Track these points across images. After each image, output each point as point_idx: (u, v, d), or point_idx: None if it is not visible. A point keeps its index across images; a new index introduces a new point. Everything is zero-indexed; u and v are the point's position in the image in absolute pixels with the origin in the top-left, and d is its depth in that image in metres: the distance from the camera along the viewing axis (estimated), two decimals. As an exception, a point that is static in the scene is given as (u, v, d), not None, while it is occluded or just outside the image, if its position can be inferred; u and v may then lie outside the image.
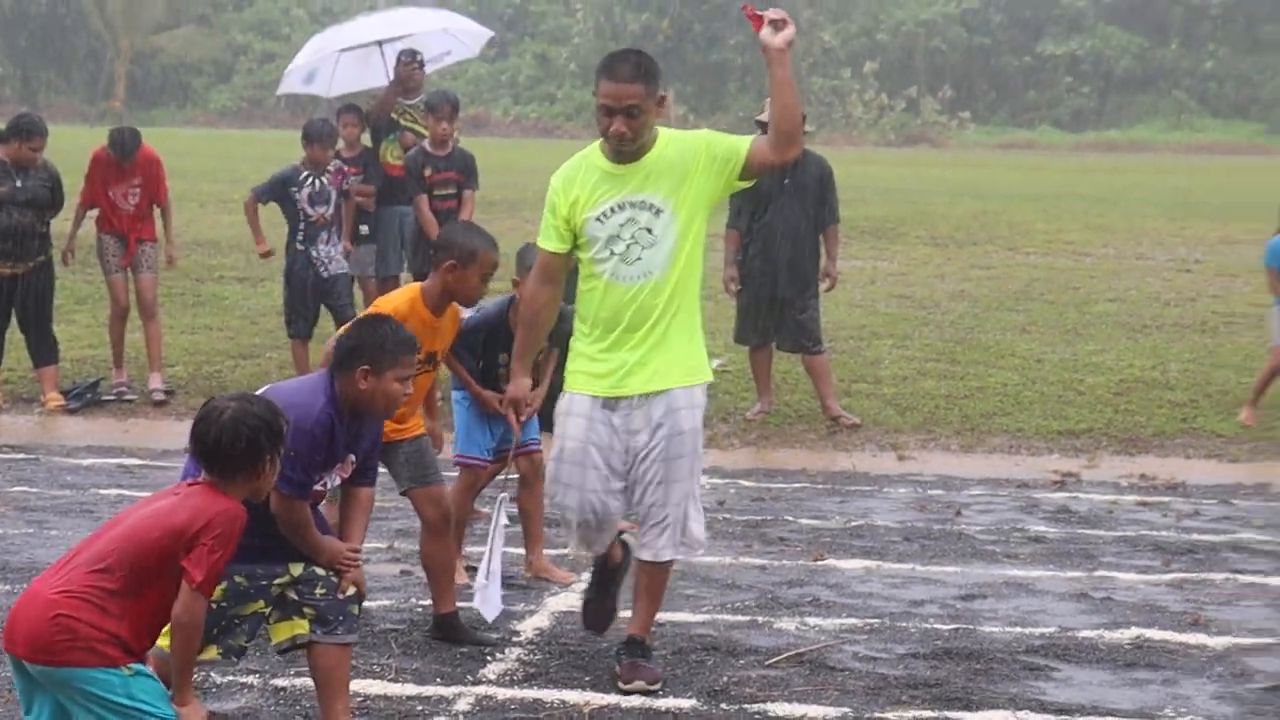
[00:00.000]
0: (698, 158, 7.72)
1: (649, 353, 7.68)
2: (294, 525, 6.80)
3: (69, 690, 5.70)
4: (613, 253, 7.67)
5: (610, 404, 7.76)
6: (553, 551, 10.42)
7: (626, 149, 7.62)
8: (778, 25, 7.43)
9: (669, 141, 7.80)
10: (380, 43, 18.03)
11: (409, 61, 17.09)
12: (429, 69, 17.69)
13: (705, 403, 7.87)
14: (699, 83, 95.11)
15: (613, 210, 7.68)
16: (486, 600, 8.12)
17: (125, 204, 15.83)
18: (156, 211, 16.17)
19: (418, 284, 9.05)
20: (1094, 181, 52.49)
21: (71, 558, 5.83)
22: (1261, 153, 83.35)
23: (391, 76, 17.25)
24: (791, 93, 7.56)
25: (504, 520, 8.27)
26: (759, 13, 7.56)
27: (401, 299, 8.74)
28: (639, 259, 7.64)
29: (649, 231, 7.65)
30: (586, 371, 7.80)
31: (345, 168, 15.89)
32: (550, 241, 7.84)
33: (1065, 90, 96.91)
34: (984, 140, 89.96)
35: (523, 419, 8.31)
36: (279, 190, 15.41)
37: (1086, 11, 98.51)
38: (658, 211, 7.66)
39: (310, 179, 15.23)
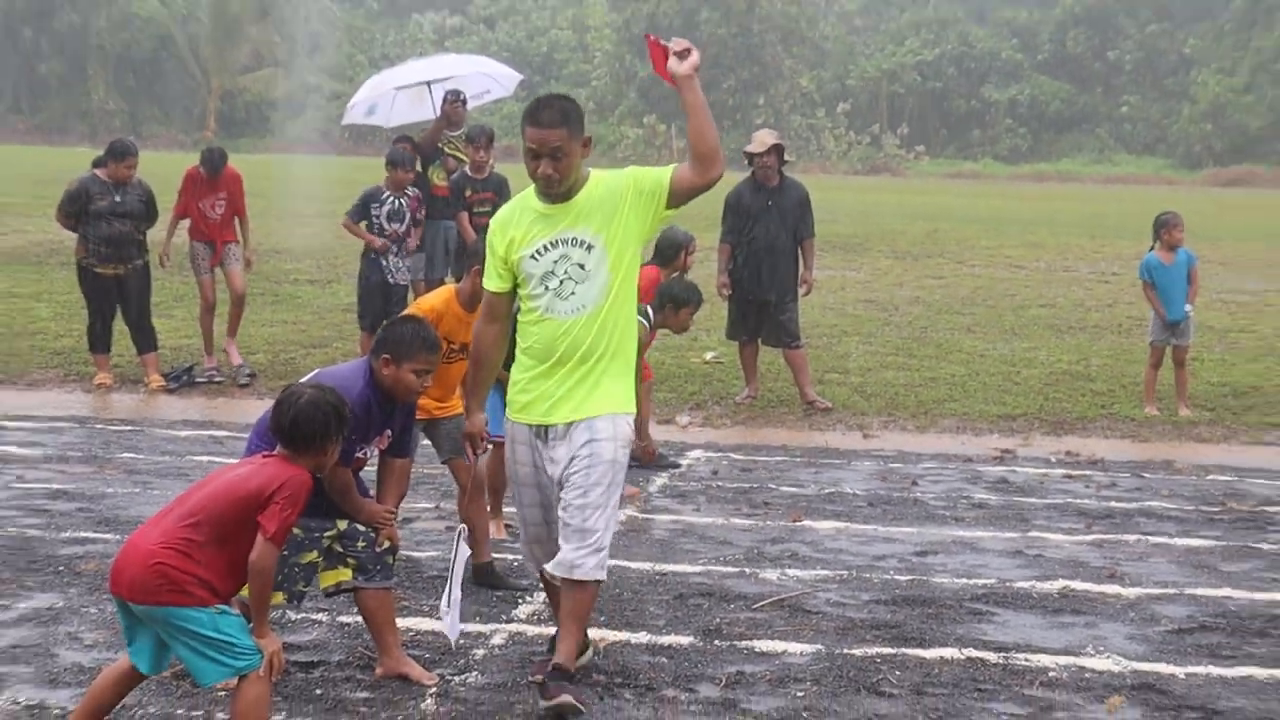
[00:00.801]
0: (625, 194, 6.87)
1: (577, 385, 6.82)
2: (338, 488, 6.86)
3: (166, 625, 5.74)
4: (547, 288, 6.84)
5: (540, 432, 6.91)
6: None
7: (555, 190, 6.86)
8: (682, 55, 6.79)
9: (599, 181, 7.03)
10: (429, 83, 18.02)
11: (454, 100, 17.07)
12: (470, 105, 17.66)
13: (630, 435, 7.04)
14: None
15: (546, 248, 6.84)
16: (451, 626, 7.29)
17: (212, 214, 15.88)
18: (236, 221, 16.20)
19: (453, 285, 9.13)
20: (1028, 206, 52.46)
21: (164, 514, 5.89)
22: (1167, 183, 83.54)
23: (438, 113, 17.24)
24: (705, 116, 6.72)
25: (465, 550, 7.42)
26: (664, 43, 6.96)
27: (439, 298, 8.87)
28: (573, 294, 6.81)
29: (581, 267, 6.82)
30: (521, 401, 6.94)
31: (419, 194, 15.79)
32: (492, 281, 7.03)
33: (1004, 129, 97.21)
34: (936, 171, 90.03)
35: (479, 452, 7.44)
36: (363, 207, 15.38)
37: (1023, 64, 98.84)
38: (589, 247, 6.82)
39: (390, 198, 15.19)
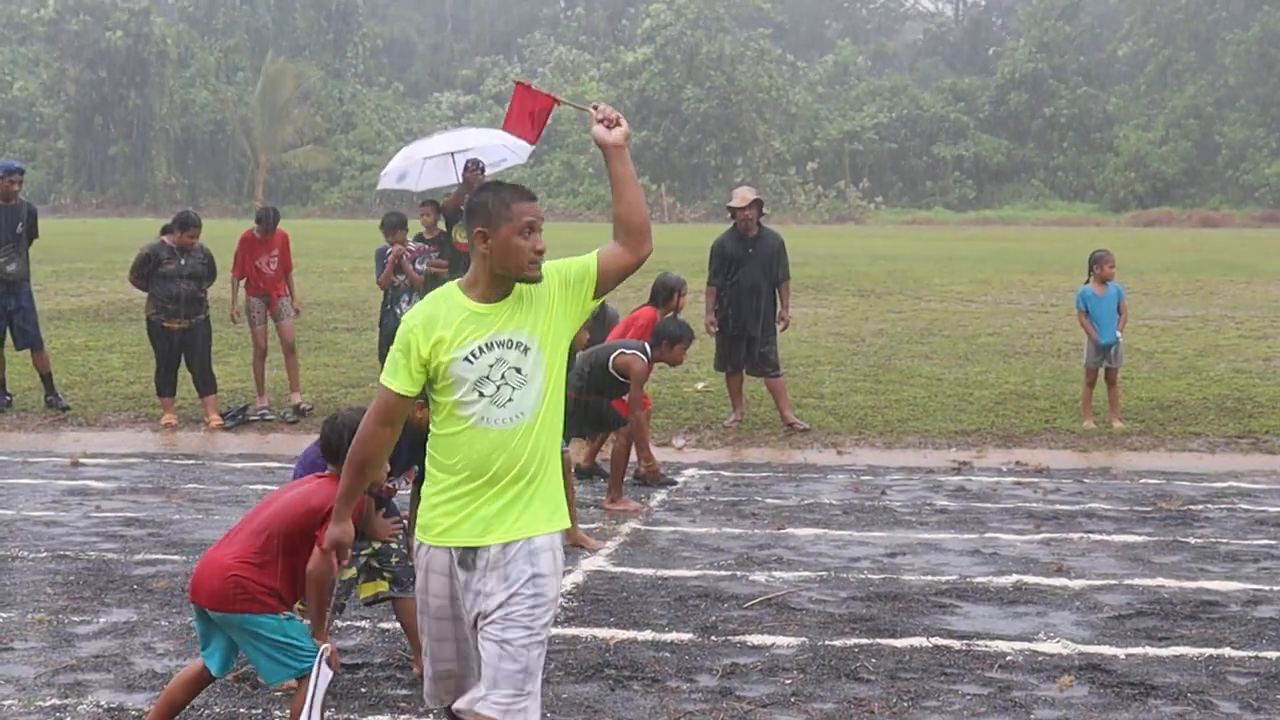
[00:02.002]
0: (553, 289, 5.29)
1: (512, 502, 5.16)
2: (363, 514, 6.83)
3: (240, 631, 5.75)
4: (482, 394, 5.16)
5: (468, 558, 5.16)
6: (585, 525, 10.38)
7: (539, 268, 5.21)
8: (610, 123, 5.36)
9: None
10: (453, 153, 18.03)
11: (474, 168, 17.10)
12: (489, 172, 17.66)
13: (563, 550, 5.37)
14: (684, 179, 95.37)
15: (481, 350, 5.18)
16: None
17: (267, 270, 15.91)
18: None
19: None
20: (975, 247, 52.49)
21: (236, 531, 5.92)
22: (1095, 224, 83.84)
23: (460, 179, 17.28)
24: (636, 189, 5.34)
25: (326, 672, 5.83)
26: (545, 93, 5.90)
27: None
28: (510, 400, 5.17)
29: (518, 371, 5.19)
30: (442, 524, 5.19)
31: (416, 247, 16.25)
32: (401, 382, 5.21)
33: (953, 181, 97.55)
34: (894, 218, 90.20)
35: (343, 563, 5.86)
36: (378, 263, 15.69)
37: (969, 124, 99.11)
38: (525, 349, 5.21)
39: (389, 250, 15.75)
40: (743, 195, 15.33)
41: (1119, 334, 15.09)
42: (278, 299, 16.01)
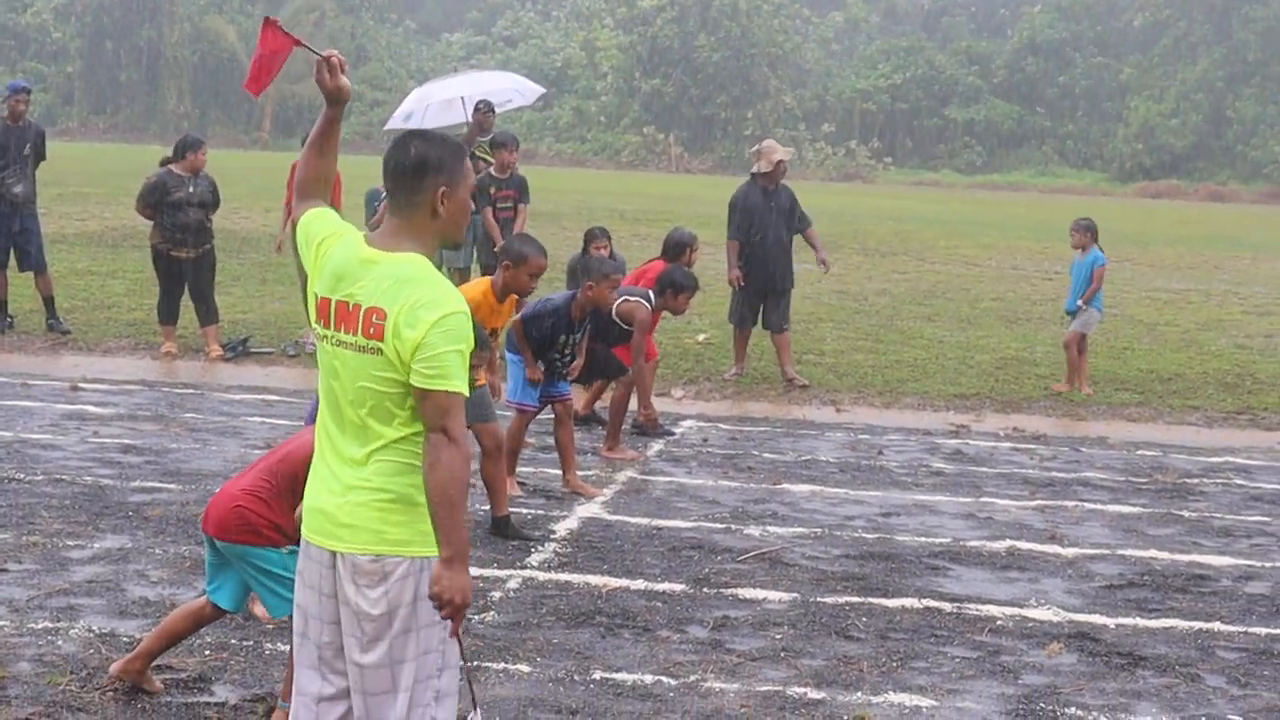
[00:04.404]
0: None
1: None
2: None
3: (244, 562, 5.78)
4: None
5: None
6: (582, 472, 10.39)
7: None
8: (342, 69, 4.74)
9: None
10: (462, 97, 17.96)
11: (485, 110, 17.03)
12: (498, 112, 17.61)
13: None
14: (693, 130, 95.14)
15: None
16: None
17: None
18: None
19: (489, 278, 9.22)
20: (982, 212, 52.42)
21: (251, 468, 5.95)
22: (1103, 194, 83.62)
23: (469, 120, 17.20)
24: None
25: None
26: (288, 34, 4.94)
27: (477, 289, 9.03)
28: None
29: None
30: None
31: None
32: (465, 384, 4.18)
33: (962, 145, 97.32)
34: (902, 179, 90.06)
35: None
36: (369, 206, 15.61)
37: (981, 88, 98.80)
38: None
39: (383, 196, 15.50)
40: (783, 151, 15.27)
41: (1080, 303, 15.03)
42: None
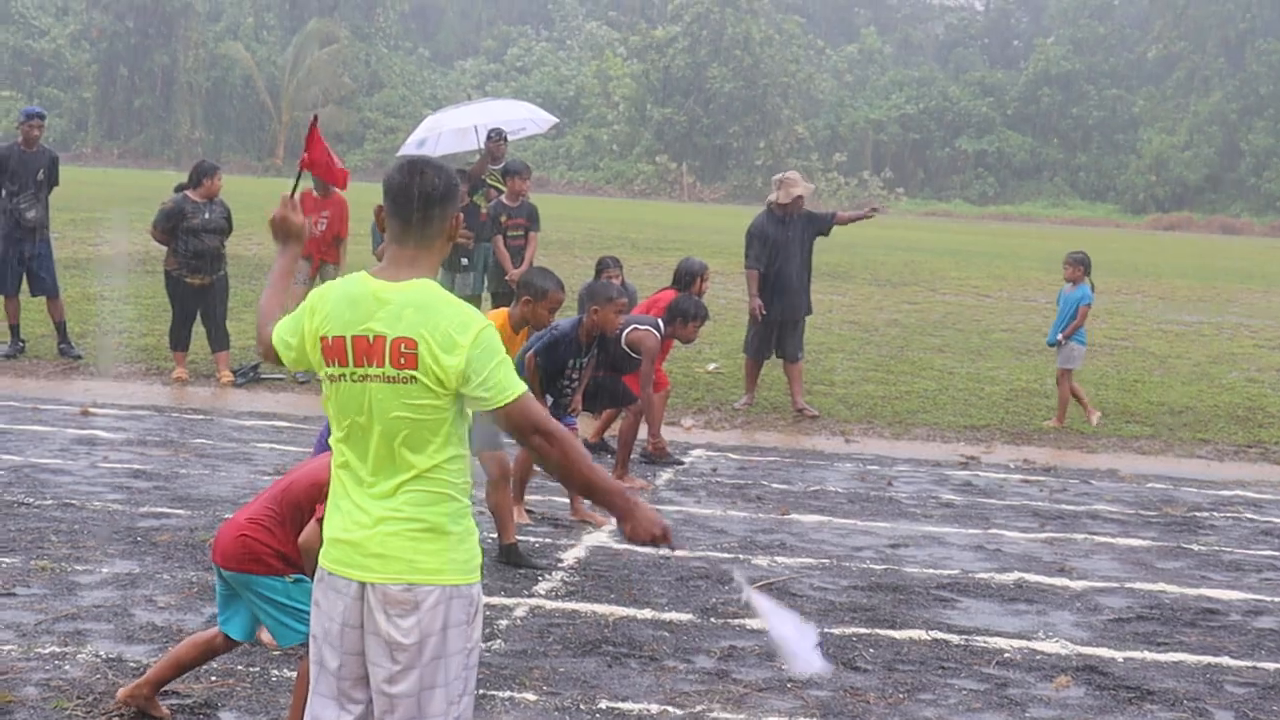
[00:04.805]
0: None
1: None
2: None
3: (249, 591, 5.80)
4: None
5: None
6: (588, 502, 10.37)
7: None
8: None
9: None
10: (475, 125, 18.01)
11: (497, 138, 17.06)
12: (510, 140, 17.66)
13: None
14: (705, 159, 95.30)
15: None
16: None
17: (313, 230, 15.75)
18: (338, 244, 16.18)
19: (505, 309, 9.18)
20: (993, 242, 52.41)
21: (257, 498, 5.98)
22: (1115, 226, 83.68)
23: (482, 149, 17.23)
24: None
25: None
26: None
27: (495, 320, 8.92)
28: None
29: None
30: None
31: None
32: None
33: (974, 176, 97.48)
34: (914, 210, 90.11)
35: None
36: (375, 235, 15.59)
37: (994, 119, 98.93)
38: None
39: None
40: (804, 187, 15.14)
41: (1060, 337, 14.94)
42: (318, 263, 15.95)
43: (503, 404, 4.18)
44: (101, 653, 6.83)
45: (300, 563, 5.84)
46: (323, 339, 4.28)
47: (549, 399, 9.93)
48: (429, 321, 4.15)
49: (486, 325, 4.20)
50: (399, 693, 4.21)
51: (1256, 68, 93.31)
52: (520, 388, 4.21)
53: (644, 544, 4.42)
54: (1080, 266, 15.03)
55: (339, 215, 16.01)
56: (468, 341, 4.14)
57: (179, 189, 15.19)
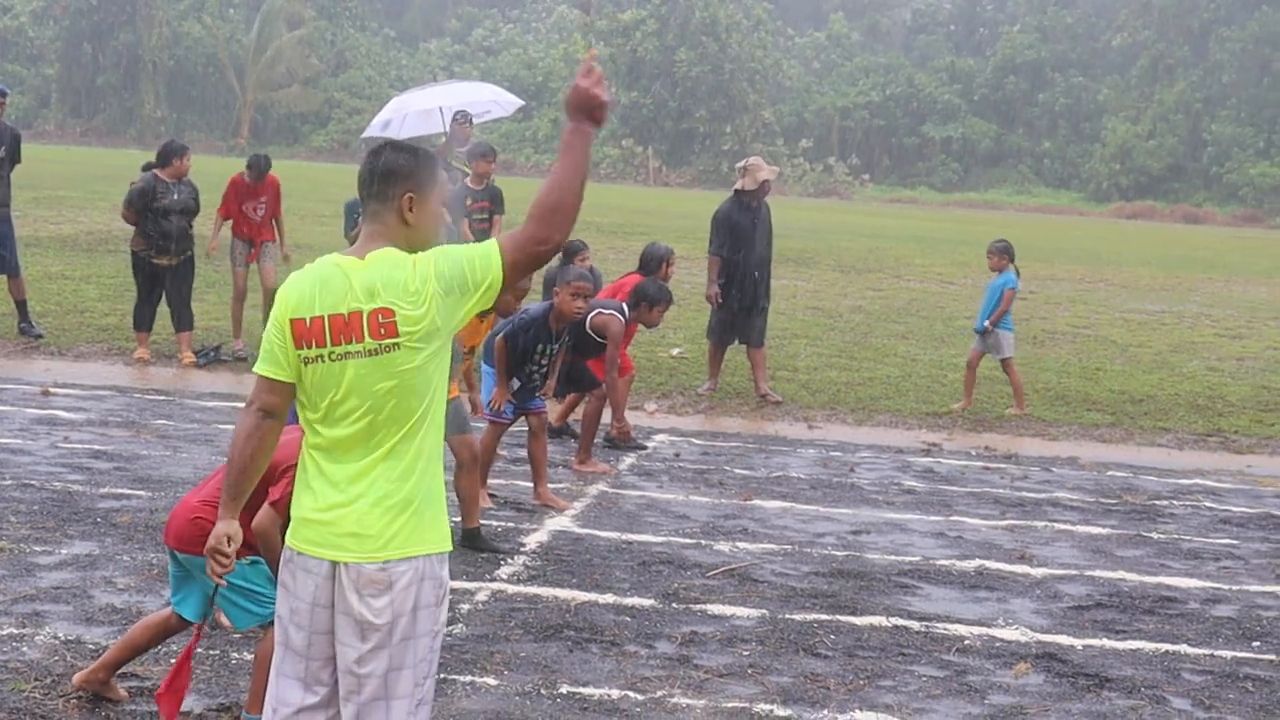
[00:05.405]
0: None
1: None
2: None
3: (204, 574, 5.73)
4: None
5: None
6: (553, 485, 10.38)
7: None
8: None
9: None
10: (441, 107, 17.95)
11: (462, 120, 17.01)
12: (475, 123, 17.60)
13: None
14: (671, 144, 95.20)
15: None
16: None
17: (254, 215, 15.86)
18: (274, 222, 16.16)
19: None
20: (957, 229, 52.51)
21: (210, 478, 5.92)
22: (1079, 214, 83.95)
23: (447, 130, 17.18)
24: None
25: None
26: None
27: None
28: None
29: None
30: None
31: None
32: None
33: (939, 163, 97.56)
34: (879, 196, 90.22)
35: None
36: (348, 218, 15.54)
37: (960, 107, 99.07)
38: None
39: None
40: (769, 170, 15.16)
41: (986, 324, 14.98)
42: (260, 244, 16.00)
43: (490, 251, 4.24)
44: (60, 635, 6.80)
45: (255, 544, 5.80)
46: (296, 322, 4.28)
47: (516, 383, 9.91)
48: (394, 285, 4.19)
49: (429, 252, 4.24)
50: (367, 673, 4.22)
51: (1220, 56, 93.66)
52: (492, 246, 4.25)
53: (586, 101, 4.29)
54: (1004, 255, 15.13)
55: (274, 197, 16.06)
56: (420, 277, 4.19)
57: (147, 168, 15.12)
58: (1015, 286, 15.08)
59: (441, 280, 4.19)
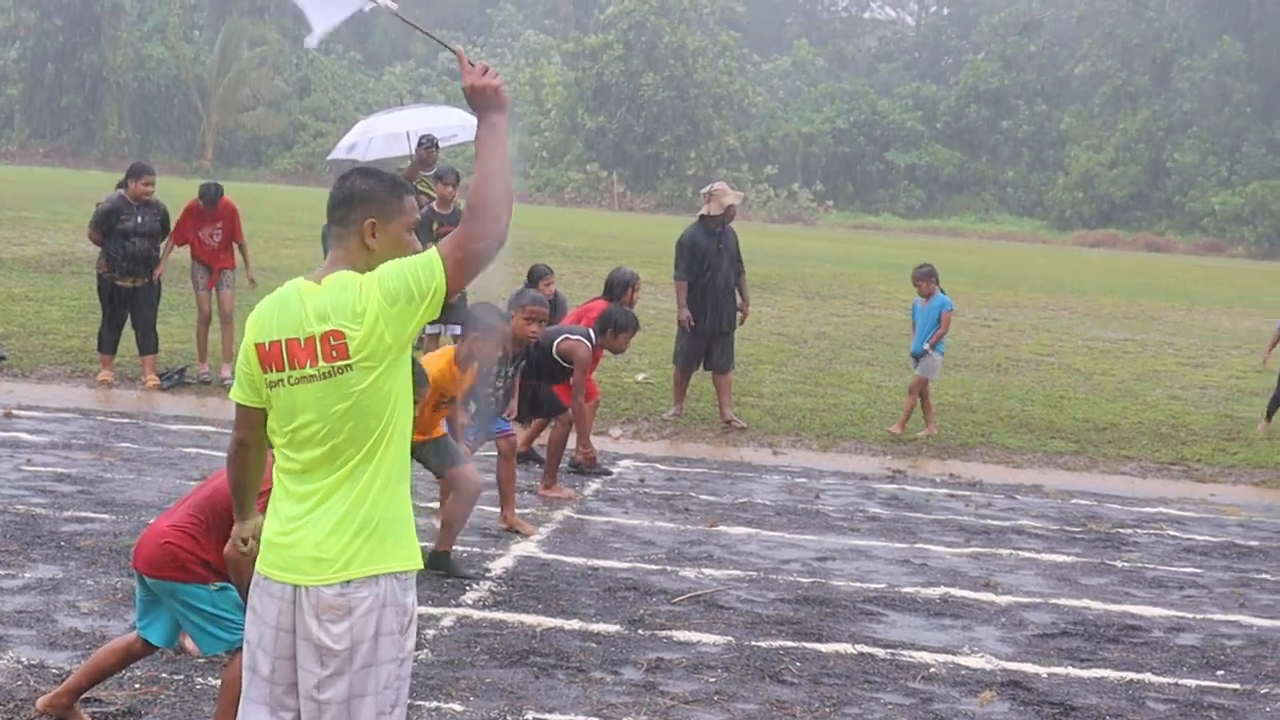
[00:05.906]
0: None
1: None
2: None
3: (172, 599, 5.74)
4: None
5: None
6: (519, 510, 10.36)
7: None
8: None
9: None
10: (407, 132, 17.94)
11: (429, 145, 16.98)
12: (441, 146, 17.59)
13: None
14: (636, 169, 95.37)
15: None
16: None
17: (210, 241, 15.79)
18: (236, 248, 16.09)
19: (452, 349, 9.15)
20: (921, 256, 52.56)
21: (180, 503, 5.90)
22: (1041, 242, 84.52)
23: (414, 155, 17.17)
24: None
25: None
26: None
27: (441, 360, 8.99)
28: None
29: None
30: None
31: None
32: None
33: (903, 189, 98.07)
34: (843, 222, 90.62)
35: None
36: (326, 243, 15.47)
37: (924, 134, 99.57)
38: None
39: None
40: (734, 195, 15.24)
41: (926, 346, 15.10)
42: (219, 270, 15.91)
43: (439, 269, 4.22)
44: (23, 659, 6.76)
45: (225, 571, 5.78)
46: (259, 346, 4.30)
47: (472, 405, 9.90)
48: (344, 308, 4.19)
49: (374, 270, 4.23)
50: (327, 699, 4.20)
51: (1181, 85, 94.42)
52: (432, 252, 4.26)
53: (483, 93, 4.41)
54: (931, 279, 15.25)
55: (231, 221, 15.94)
56: (365, 297, 4.17)
57: (120, 185, 15.14)
58: (952, 308, 15.29)
59: (386, 294, 4.18)
